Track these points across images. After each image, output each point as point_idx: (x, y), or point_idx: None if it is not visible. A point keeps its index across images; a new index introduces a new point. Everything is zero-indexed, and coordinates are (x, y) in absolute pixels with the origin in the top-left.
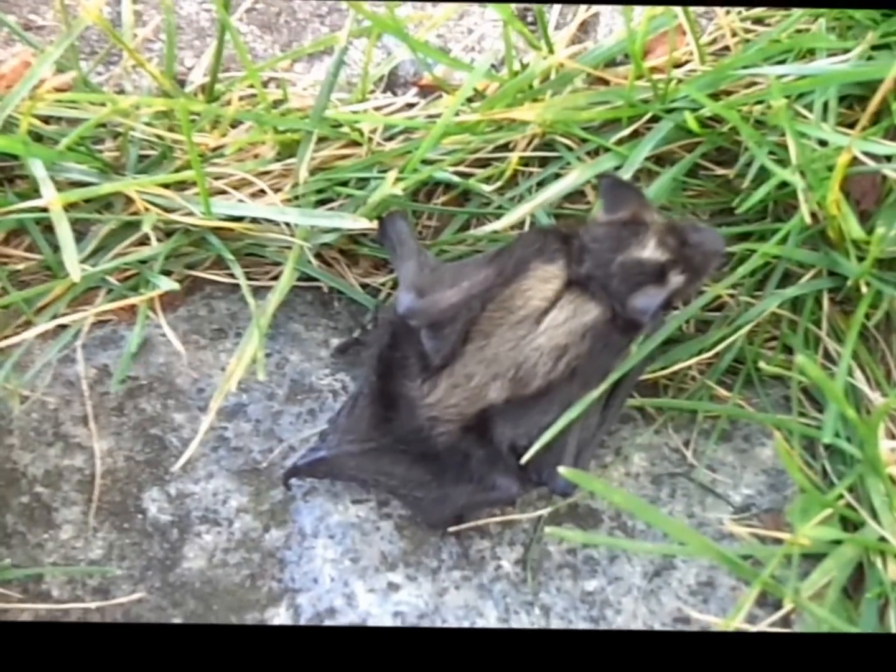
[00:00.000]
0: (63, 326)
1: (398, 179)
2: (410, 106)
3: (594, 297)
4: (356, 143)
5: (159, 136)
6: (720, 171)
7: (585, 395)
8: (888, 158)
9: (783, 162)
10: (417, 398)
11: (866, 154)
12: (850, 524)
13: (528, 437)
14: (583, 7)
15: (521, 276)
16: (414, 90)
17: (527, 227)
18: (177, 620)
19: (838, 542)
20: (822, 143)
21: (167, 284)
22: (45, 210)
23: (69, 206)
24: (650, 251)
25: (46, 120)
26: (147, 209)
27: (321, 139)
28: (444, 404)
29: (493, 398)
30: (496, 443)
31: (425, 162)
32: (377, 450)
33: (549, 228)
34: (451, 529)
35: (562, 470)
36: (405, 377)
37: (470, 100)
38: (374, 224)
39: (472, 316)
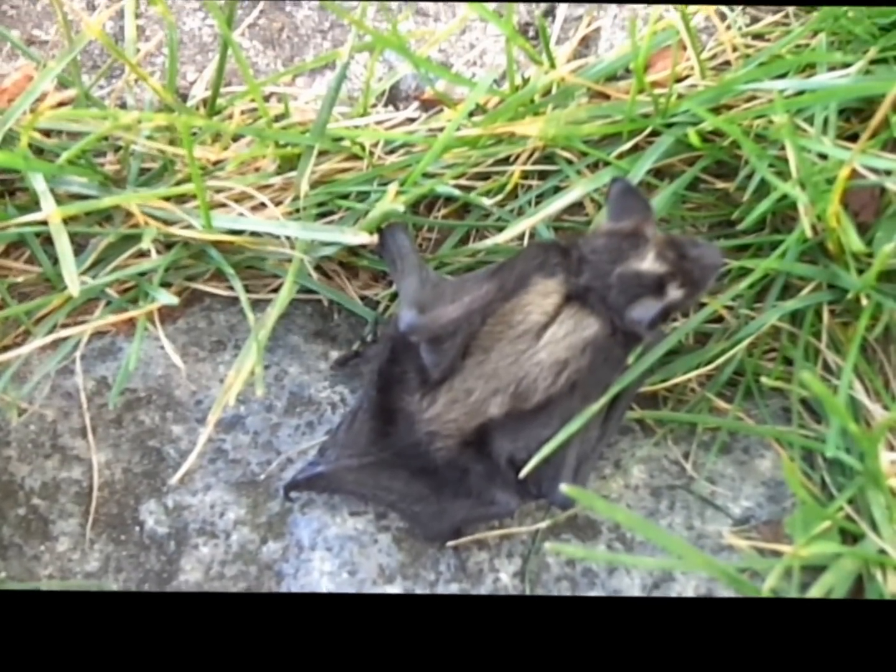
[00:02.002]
0: (62, 338)
1: (399, 193)
2: (412, 120)
3: (594, 311)
4: (357, 157)
5: (160, 150)
6: (720, 184)
7: (585, 408)
8: (888, 173)
9: (783, 175)
10: (416, 413)
11: (866, 167)
12: (849, 536)
13: (527, 451)
14: (584, 22)
15: (522, 291)
16: (415, 104)
17: (527, 241)
18: None
19: (838, 555)
20: (822, 156)
21: (166, 298)
22: (44, 223)
23: (69, 219)
24: (649, 263)
25: (48, 133)
26: (147, 223)
27: (322, 153)
28: (442, 419)
29: (492, 413)
30: (494, 456)
31: (426, 175)
32: (376, 464)
33: (551, 243)
34: (450, 544)
35: (563, 487)
36: (404, 392)
37: (471, 114)
38: (375, 238)
39: (472, 330)
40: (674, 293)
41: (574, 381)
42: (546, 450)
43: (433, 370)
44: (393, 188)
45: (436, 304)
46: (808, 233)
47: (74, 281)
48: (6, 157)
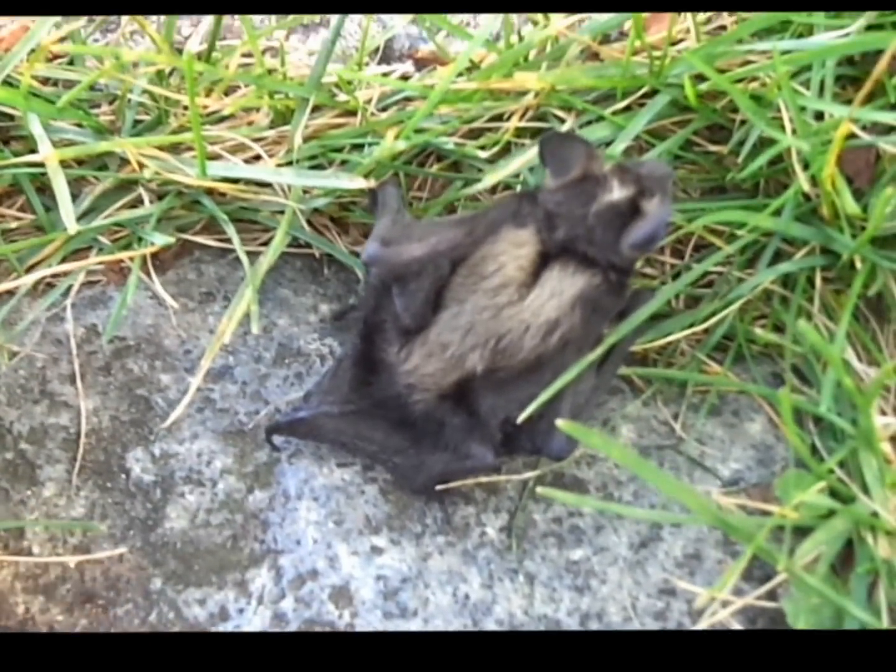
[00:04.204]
0: (52, 286)
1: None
2: (406, 78)
3: (579, 264)
4: (350, 113)
5: (155, 99)
6: (713, 147)
7: (578, 361)
8: (887, 132)
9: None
10: (396, 365)
11: (863, 129)
12: (840, 500)
13: (520, 408)
14: None
15: (492, 239)
16: (409, 63)
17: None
18: (157, 580)
19: (828, 517)
20: (818, 118)
21: (161, 239)
22: (40, 165)
23: (64, 167)
24: (617, 192)
25: (45, 81)
26: (143, 165)
27: (315, 109)
28: (420, 372)
29: (470, 368)
30: (481, 411)
31: (420, 132)
32: (356, 413)
33: (525, 193)
34: (438, 488)
35: (559, 422)
36: (385, 343)
37: (468, 70)
38: (371, 183)
39: (441, 275)
40: (652, 207)
41: (567, 340)
42: (542, 397)
43: (404, 315)
44: (391, 133)
45: (402, 240)
46: (805, 186)
47: (71, 218)
48: (7, 95)
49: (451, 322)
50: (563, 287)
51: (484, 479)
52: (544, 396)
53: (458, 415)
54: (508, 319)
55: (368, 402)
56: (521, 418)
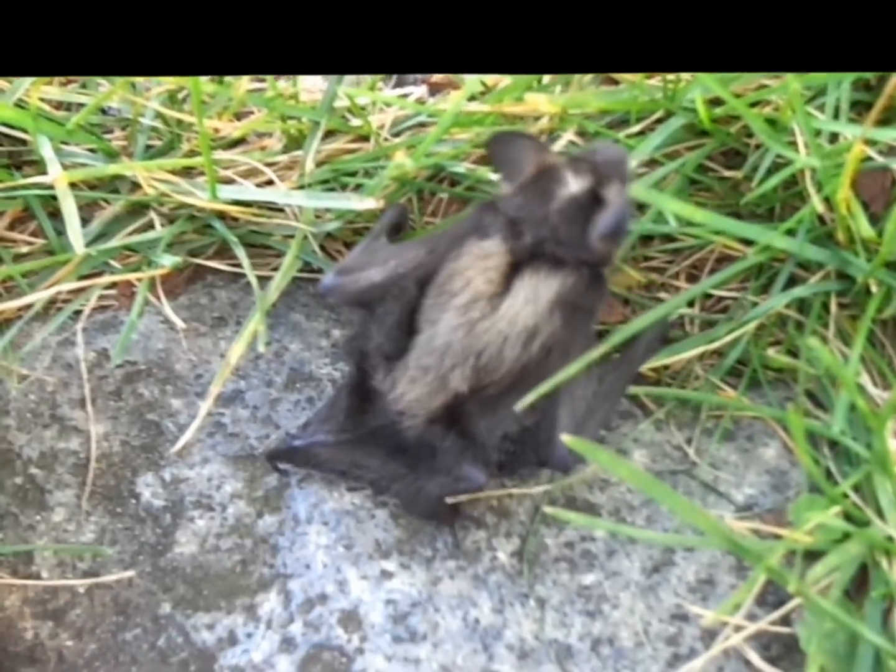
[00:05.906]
0: (62, 309)
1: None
2: (420, 103)
3: (551, 268)
4: (363, 139)
5: (167, 123)
6: (728, 173)
7: (566, 365)
8: None
9: (793, 162)
10: (385, 392)
11: (877, 150)
12: (854, 524)
13: (518, 423)
14: None
15: (456, 255)
16: (423, 88)
17: None
18: (167, 605)
19: (842, 541)
20: (832, 141)
21: (169, 261)
22: (50, 188)
23: (76, 192)
24: (575, 184)
25: (58, 106)
26: (154, 187)
27: (329, 134)
28: (407, 399)
29: (455, 388)
30: (477, 431)
31: (432, 156)
32: (352, 442)
33: (485, 204)
34: (450, 500)
35: (564, 438)
36: (374, 370)
37: (481, 93)
38: (381, 203)
39: (409, 298)
40: (612, 195)
41: (550, 346)
42: (524, 404)
43: (379, 339)
44: (402, 152)
45: (362, 267)
46: (819, 207)
47: (79, 240)
48: (16, 115)
49: (428, 345)
50: (537, 292)
51: (495, 503)
52: (531, 398)
53: (449, 437)
54: (484, 333)
55: (364, 430)
56: (519, 408)
